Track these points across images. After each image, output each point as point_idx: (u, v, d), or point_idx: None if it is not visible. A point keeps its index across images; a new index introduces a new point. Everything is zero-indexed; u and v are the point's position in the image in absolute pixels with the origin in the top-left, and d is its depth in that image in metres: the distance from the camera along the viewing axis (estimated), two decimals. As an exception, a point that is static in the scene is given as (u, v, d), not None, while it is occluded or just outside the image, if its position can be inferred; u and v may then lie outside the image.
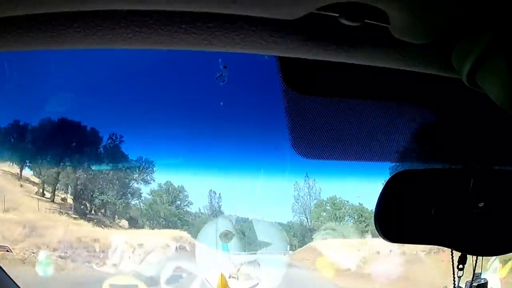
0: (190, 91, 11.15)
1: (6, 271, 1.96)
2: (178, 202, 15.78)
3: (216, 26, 0.74)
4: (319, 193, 15.87)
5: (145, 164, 13.52)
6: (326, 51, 0.79)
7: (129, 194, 15.16)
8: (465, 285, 1.35)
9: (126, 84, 10.55)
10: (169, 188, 15.69)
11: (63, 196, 14.04)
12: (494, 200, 1.01)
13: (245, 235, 14.52)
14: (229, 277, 9.86)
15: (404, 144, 1.24)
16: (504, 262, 8.31)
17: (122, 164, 13.02)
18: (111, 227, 14.27)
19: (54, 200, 13.65)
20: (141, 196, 15.34)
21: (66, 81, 9.98)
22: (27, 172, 13.57)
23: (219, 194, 15.51)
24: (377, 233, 1.04)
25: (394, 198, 1.05)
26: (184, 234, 14.16)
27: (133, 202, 15.41)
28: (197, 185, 15.34)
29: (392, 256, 11.83)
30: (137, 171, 13.96)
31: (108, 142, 12.18)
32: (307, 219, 16.19)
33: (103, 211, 14.72)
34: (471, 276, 1.36)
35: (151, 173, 14.43)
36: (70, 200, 14.08)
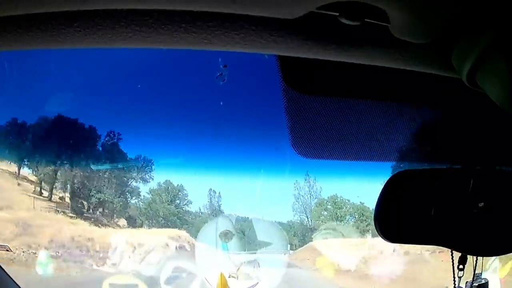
0: (190, 91, 11.16)
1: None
2: (178, 201, 15.72)
3: (216, 25, 0.74)
4: (320, 192, 15.76)
5: (144, 164, 13.50)
6: (326, 51, 0.79)
7: (128, 193, 15.05)
8: (466, 286, 1.35)
9: (126, 84, 10.55)
10: (168, 187, 15.63)
11: (61, 195, 13.91)
12: (494, 200, 1.01)
13: (245, 235, 14.43)
14: (229, 277, 9.85)
15: (404, 144, 1.24)
16: (504, 262, 8.31)
17: (121, 164, 12.97)
18: (108, 226, 14.10)
19: (52, 198, 13.52)
20: (140, 195, 15.28)
21: (66, 80, 9.98)
22: (25, 171, 13.48)
23: (219, 193, 15.52)
24: (379, 232, 1.04)
25: (394, 198, 1.05)
26: (184, 233, 14.08)
27: (132, 201, 15.33)
28: (197, 184, 15.36)
29: (395, 256, 11.50)
30: (137, 170, 13.92)
31: (108, 141, 12.19)
32: (307, 218, 16.09)
33: (101, 210, 14.62)
34: (471, 276, 1.36)
35: (151, 173, 14.42)
36: (68, 199, 13.94)
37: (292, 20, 0.69)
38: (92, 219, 13.85)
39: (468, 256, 1.17)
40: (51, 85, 10.37)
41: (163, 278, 10.37)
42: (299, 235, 15.93)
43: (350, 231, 14.39)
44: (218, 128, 11.26)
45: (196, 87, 10.71)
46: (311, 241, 14.90)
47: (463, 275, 1.23)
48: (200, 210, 16.17)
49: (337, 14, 0.68)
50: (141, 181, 14.81)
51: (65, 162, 12.73)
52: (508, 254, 1.12)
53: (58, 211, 13.09)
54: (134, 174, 14.33)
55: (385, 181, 1.04)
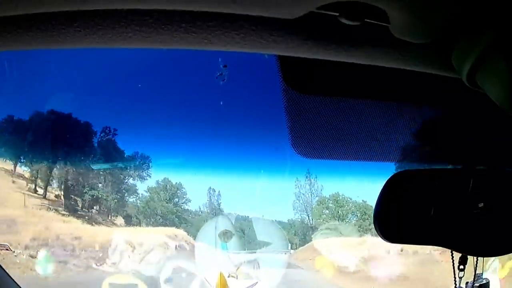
0: (190, 90, 11.17)
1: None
2: (177, 200, 15.60)
3: (216, 25, 0.74)
4: (321, 190, 15.52)
5: (144, 164, 13.47)
6: (326, 50, 0.79)
7: (125, 193, 14.90)
8: (467, 286, 1.35)
9: (125, 83, 10.55)
10: (166, 186, 15.52)
11: (57, 193, 13.64)
12: (494, 201, 1.01)
13: (244, 234, 14.30)
14: (228, 276, 9.84)
15: (404, 144, 1.24)
16: (504, 263, 8.31)
17: (120, 163, 12.91)
18: (102, 224, 13.72)
19: (46, 196, 13.20)
20: (138, 194, 15.13)
21: (65, 79, 10.00)
22: (21, 169, 13.27)
23: (219, 192, 15.48)
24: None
25: (394, 199, 1.04)
26: (184, 232, 13.94)
27: (130, 200, 15.18)
28: (197, 184, 15.32)
29: (404, 256, 10.94)
30: (136, 170, 13.88)
31: (107, 141, 12.16)
32: (308, 217, 15.86)
33: (96, 208, 14.41)
34: (472, 277, 1.36)
35: (151, 173, 14.39)
36: (63, 197, 13.64)
37: (292, 20, 0.69)
38: (86, 217, 13.59)
39: (468, 256, 1.17)
40: (50, 84, 10.39)
41: (162, 278, 10.26)
42: (299, 234, 15.74)
43: (353, 230, 14.04)
44: (218, 128, 11.26)
45: (196, 87, 10.72)
46: (312, 240, 14.53)
47: (463, 275, 1.23)
48: (200, 209, 16.13)
49: (337, 14, 0.68)
50: (140, 181, 14.76)
51: (63, 160, 12.62)
52: (507, 255, 1.12)
53: (50, 208, 12.79)
54: (133, 174, 14.24)
55: (385, 181, 1.04)
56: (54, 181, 13.77)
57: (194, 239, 13.16)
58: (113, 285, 9.24)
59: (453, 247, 1.09)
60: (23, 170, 13.27)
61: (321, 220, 15.30)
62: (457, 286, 1.26)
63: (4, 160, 12.66)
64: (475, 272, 1.33)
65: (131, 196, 15.07)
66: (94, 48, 0.82)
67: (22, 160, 12.90)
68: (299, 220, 16.05)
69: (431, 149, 1.30)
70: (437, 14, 0.66)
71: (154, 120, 11.52)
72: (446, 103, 1.15)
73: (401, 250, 10.91)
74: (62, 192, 13.72)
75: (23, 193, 12.58)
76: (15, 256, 9.76)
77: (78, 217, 13.32)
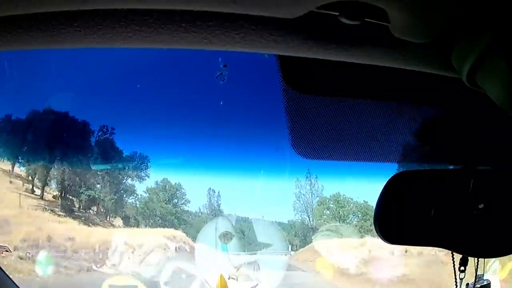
0: (190, 90, 11.17)
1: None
2: (176, 200, 15.46)
3: (216, 25, 0.74)
4: (322, 190, 15.17)
5: (143, 164, 13.43)
6: (326, 50, 0.79)
7: (124, 193, 14.70)
8: (467, 287, 1.35)
9: (125, 83, 10.56)
10: (166, 186, 15.37)
11: (55, 193, 13.36)
12: (494, 201, 1.01)
13: (244, 235, 14.19)
14: (229, 278, 9.82)
15: (404, 144, 1.24)
16: (504, 264, 8.29)
17: (119, 164, 12.85)
18: (99, 225, 13.44)
19: (44, 197, 12.93)
20: (137, 195, 14.94)
21: (64, 79, 10.00)
22: (19, 169, 13.02)
23: (219, 193, 15.40)
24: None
25: (394, 199, 1.04)
26: (183, 234, 13.81)
27: (129, 201, 14.93)
28: (196, 184, 15.28)
29: (408, 258, 10.39)
30: (135, 171, 13.83)
31: (107, 141, 12.11)
32: (309, 218, 15.55)
33: (94, 209, 14.18)
34: (472, 278, 1.35)
35: (150, 173, 14.35)
36: (60, 198, 13.32)
37: (292, 19, 0.69)
38: (83, 218, 13.29)
39: (469, 257, 1.17)
40: (49, 84, 10.39)
41: (162, 279, 10.20)
42: (300, 235, 15.49)
43: (354, 231, 13.72)
44: (218, 127, 11.26)
45: (196, 86, 10.72)
46: (313, 241, 14.13)
47: (464, 276, 1.23)
48: (199, 210, 16.05)
49: (337, 13, 0.68)
50: (139, 181, 14.62)
51: (61, 161, 12.46)
52: (508, 256, 1.11)
53: (46, 209, 12.48)
54: (132, 174, 14.09)
55: (385, 182, 1.04)
56: (52, 181, 13.61)
57: (194, 240, 13.04)
58: (113, 286, 9.20)
59: (453, 248, 1.09)
60: (21, 170, 13.10)
61: (322, 221, 15.00)
62: (458, 287, 1.26)
63: (2, 160, 12.49)
64: (476, 273, 1.33)
65: (130, 197, 14.89)
66: (94, 48, 0.82)
67: (20, 160, 12.70)
68: (299, 221, 15.81)
69: (431, 149, 1.30)
70: (437, 14, 0.66)
71: (154, 120, 11.51)
72: (446, 103, 1.15)
73: (406, 251, 10.45)
74: (60, 193, 13.52)
75: (20, 194, 12.33)
76: (3, 257, 9.28)
77: (75, 218, 13.05)
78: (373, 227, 1.03)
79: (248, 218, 14.47)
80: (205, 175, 13.21)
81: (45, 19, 0.73)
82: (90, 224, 13.14)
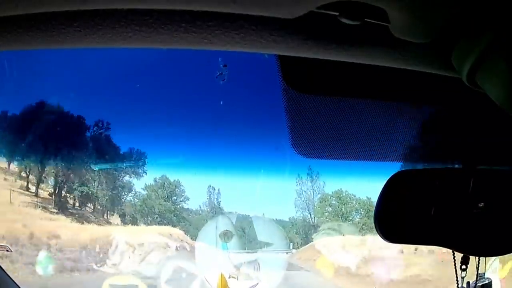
0: (190, 90, 11.17)
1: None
2: (175, 198, 15.33)
3: (216, 25, 0.74)
4: (323, 187, 14.80)
5: (144, 164, 13.41)
6: (326, 50, 0.79)
7: (122, 193, 14.55)
8: (469, 286, 1.35)
9: (125, 83, 10.57)
10: (164, 184, 15.27)
11: (50, 191, 13.08)
12: (494, 200, 1.01)
13: (245, 233, 14.07)
14: (229, 277, 9.82)
15: (404, 144, 1.24)
16: (504, 263, 8.28)
17: (118, 163, 12.82)
18: (93, 223, 12.99)
19: (38, 194, 12.64)
20: (136, 194, 14.78)
21: (64, 78, 10.01)
22: (15, 166, 12.76)
23: (219, 192, 15.37)
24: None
25: (394, 198, 1.04)
26: (184, 232, 13.64)
27: (127, 199, 14.74)
28: (197, 184, 15.26)
29: (418, 256, 9.66)
30: (135, 171, 13.80)
31: (107, 141, 12.12)
32: (311, 215, 15.16)
33: (90, 206, 13.92)
34: (473, 277, 1.36)
35: (150, 173, 14.32)
36: (56, 195, 13.03)
37: (292, 19, 0.69)
38: (77, 215, 12.95)
39: (470, 256, 1.17)
40: (48, 83, 10.40)
41: (163, 279, 10.14)
42: (301, 233, 15.19)
43: (357, 229, 13.29)
44: (218, 127, 11.27)
45: (196, 86, 10.73)
46: (315, 239, 13.72)
47: (465, 275, 1.23)
48: (200, 208, 15.99)
49: (337, 13, 0.68)
50: (138, 181, 14.59)
51: (59, 159, 12.33)
52: (508, 254, 1.12)
53: (39, 206, 12.14)
54: (132, 175, 14.01)
55: (385, 181, 1.04)
56: (49, 179, 13.40)
57: (194, 238, 12.95)
58: (114, 286, 9.16)
59: (453, 247, 1.09)
60: (17, 167, 12.88)
61: (324, 218, 14.71)
62: (460, 286, 1.26)
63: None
64: (477, 272, 1.33)
65: (132, 195, 14.88)
66: (94, 48, 0.82)
67: (16, 158, 12.50)
68: (301, 218, 15.48)
69: (431, 149, 1.30)
70: (437, 14, 0.66)
71: (154, 120, 11.53)
72: (446, 103, 1.15)
73: (415, 250, 9.68)
74: (56, 191, 13.28)
75: (14, 191, 12.09)
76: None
77: (68, 215, 12.69)
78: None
79: (248, 216, 14.28)
80: (206, 175, 13.22)
81: (45, 19, 0.73)
82: (84, 222, 12.78)
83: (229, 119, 11.07)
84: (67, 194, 13.63)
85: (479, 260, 1.30)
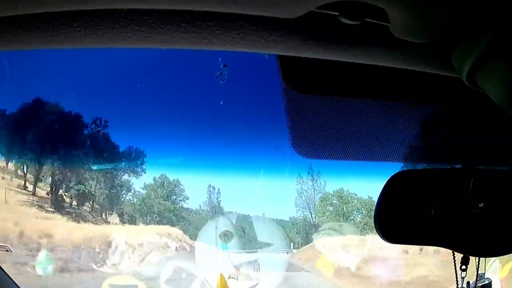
0: (190, 90, 11.19)
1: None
2: (174, 197, 15.23)
3: (216, 25, 0.74)
4: (324, 186, 14.60)
5: (144, 164, 13.39)
6: (326, 50, 0.79)
7: (121, 192, 14.48)
8: (469, 286, 1.35)
9: (125, 83, 10.57)
10: (164, 183, 15.23)
11: (48, 190, 12.96)
12: (494, 201, 1.01)
13: (245, 232, 13.99)
14: (229, 278, 9.80)
15: (404, 144, 1.24)
16: (504, 263, 8.27)
17: (118, 163, 12.81)
18: (89, 222, 12.81)
19: (36, 193, 12.48)
20: (137, 194, 14.77)
21: (64, 78, 10.02)
22: (13, 165, 12.73)
23: (219, 191, 15.33)
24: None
25: (394, 198, 1.04)
26: (184, 232, 13.54)
27: (126, 199, 14.65)
28: (197, 184, 15.24)
29: (423, 256, 9.19)
30: (135, 171, 13.77)
31: (107, 141, 12.11)
32: (311, 215, 14.95)
33: (87, 206, 13.82)
34: (473, 277, 1.36)
35: (150, 173, 14.30)
36: (54, 195, 12.85)
37: (292, 19, 0.69)
38: (74, 215, 12.79)
39: (470, 256, 1.17)
40: (48, 83, 10.39)
41: (162, 279, 10.05)
42: (302, 233, 15.00)
43: (359, 228, 12.98)
44: (218, 127, 11.28)
45: (196, 86, 10.74)
46: (316, 239, 13.32)
47: (466, 275, 1.23)
48: (200, 207, 15.92)
49: (337, 13, 0.68)
50: (138, 181, 14.55)
51: (58, 159, 12.26)
52: (508, 255, 1.12)
53: (35, 205, 11.97)
54: (131, 175, 13.97)
55: (385, 181, 1.04)
56: (46, 178, 13.27)
57: (194, 238, 12.82)
58: (114, 286, 9.12)
59: (453, 247, 1.09)
60: (15, 166, 12.82)
61: (325, 218, 14.49)
62: (460, 286, 1.26)
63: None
64: (477, 272, 1.33)
65: (128, 195, 14.77)
66: (94, 48, 0.82)
67: (15, 157, 12.41)
68: (301, 218, 15.30)
69: (431, 149, 1.30)
70: (437, 14, 0.66)
71: (154, 120, 11.55)
72: (446, 103, 1.15)
73: (421, 250, 9.20)
74: (54, 190, 13.14)
75: (10, 189, 11.91)
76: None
77: (65, 214, 12.47)
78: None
79: (248, 215, 14.17)
80: (206, 174, 13.20)
81: (45, 19, 0.73)
82: (80, 221, 12.60)
83: (229, 119, 11.08)
84: (66, 193, 13.55)
85: (479, 260, 1.30)
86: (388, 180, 1.03)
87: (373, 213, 1.05)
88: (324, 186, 14.72)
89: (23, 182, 12.73)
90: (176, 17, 0.73)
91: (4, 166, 12.63)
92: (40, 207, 12.26)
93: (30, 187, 12.76)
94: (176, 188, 15.31)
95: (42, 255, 9.69)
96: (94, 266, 10.47)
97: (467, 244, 1.06)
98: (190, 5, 0.68)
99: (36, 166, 12.87)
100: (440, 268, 9.07)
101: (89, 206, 14.06)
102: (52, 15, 0.72)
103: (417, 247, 8.69)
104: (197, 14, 0.72)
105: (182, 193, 15.40)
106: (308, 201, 14.83)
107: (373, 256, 10.39)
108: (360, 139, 1.24)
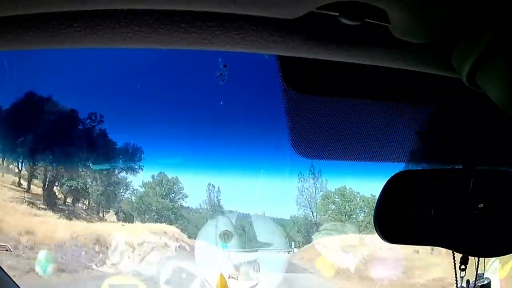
0: (190, 90, 11.19)
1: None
2: (173, 195, 15.16)
3: (216, 26, 0.74)
4: (326, 184, 14.32)
5: (144, 164, 13.37)
6: (326, 50, 0.79)
7: (120, 192, 14.39)
8: (468, 285, 1.35)
9: (125, 83, 10.57)
10: (162, 181, 15.15)
11: (44, 187, 12.67)
12: (494, 201, 1.01)
13: (245, 231, 13.89)
14: (229, 277, 9.79)
15: (404, 144, 1.24)
16: (504, 263, 8.27)
17: (118, 163, 12.79)
18: (84, 220, 12.54)
19: (30, 190, 12.27)
20: (137, 194, 14.72)
21: (64, 78, 10.02)
22: (9, 162, 12.50)
23: (219, 191, 15.30)
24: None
25: (394, 199, 1.04)
26: (183, 231, 13.51)
27: (124, 202, 14.50)
28: (197, 184, 15.24)
29: (436, 257, 8.49)
30: (135, 170, 13.76)
31: (106, 141, 12.10)
32: (313, 214, 14.62)
33: (84, 203, 13.66)
34: (473, 277, 1.36)
35: (152, 172, 14.29)
36: (48, 192, 12.58)
37: (292, 20, 0.69)
38: (67, 212, 12.51)
39: (469, 256, 1.17)
40: (49, 83, 10.39)
41: (162, 279, 9.98)
42: (303, 232, 14.69)
43: (363, 227, 12.52)
44: (218, 127, 11.28)
45: (196, 87, 10.75)
46: (319, 238, 12.84)
47: (465, 275, 1.23)
48: (201, 206, 15.87)
49: (337, 14, 0.68)
50: (138, 182, 14.52)
51: (58, 158, 12.28)
52: (507, 255, 1.12)
53: (27, 202, 11.68)
54: (131, 174, 13.96)
55: (385, 181, 1.04)
56: (44, 176, 13.00)
57: (194, 237, 12.75)
58: (114, 286, 9.09)
59: (453, 248, 1.09)
60: (11, 164, 12.59)
61: (327, 216, 14.20)
62: (459, 285, 1.26)
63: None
64: (476, 272, 1.33)
65: (127, 194, 14.74)
66: (94, 48, 0.82)
67: (11, 154, 12.19)
68: (302, 216, 14.95)
69: (431, 149, 1.30)
70: (437, 14, 0.66)
71: (154, 120, 11.55)
72: (446, 103, 1.15)
73: (432, 250, 8.50)
74: (50, 188, 12.90)
75: (3, 186, 11.68)
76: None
77: (57, 211, 12.16)
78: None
79: (249, 214, 14.02)
80: (206, 174, 13.20)
81: (45, 19, 0.73)
82: (73, 218, 12.31)
83: (229, 119, 11.08)
84: (63, 191, 13.42)
85: (478, 260, 1.30)
86: (388, 180, 1.04)
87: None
88: (326, 184, 14.49)
89: (18, 179, 12.48)
90: (176, 18, 0.73)
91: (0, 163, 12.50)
92: (32, 204, 12.05)
93: (25, 184, 12.53)
94: (175, 186, 15.28)
95: (42, 254, 9.58)
96: (94, 266, 10.41)
97: (466, 244, 1.06)
98: (190, 6, 0.68)
99: (34, 165, 12.77)
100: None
101: (91, 204, 14.01)
102: (52, 15, 0.72)
103: (428, 247, 7.80)
104: (197, 14, 0.72)
105: (181, 191, 15.38)
106: (309, 199, 14.58)
107: (381, 256, 9.72)
108: (360, 139, 1.24)
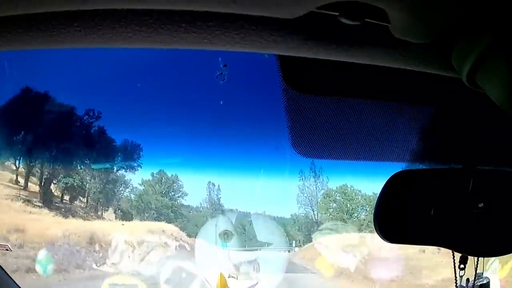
0: (190, 90, 11.20)
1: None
2: (172, 194, 15.12)
3: (216, 25, 0.74)
4: (327, 182, 14.21)
5: (145, 164, 13.36)
6: (326, 50, 0.79)
7: (120, 191, 14.43)
8: (467, 285, 1.36)
9: (125, 83, 10.58)
10: (162, 180, 15.14)
11: (42, 185, 12.62)
12: (494, 201, 1.01)
13: (245, 230, 13.81)
14: (229, 277, 9.78)
15: (404, 144, 1.24)
16: (504, 263, 8.25)
17: (117, 163, 12.80)
18: (80, 218, 12.43)
19: (28, 188, 12.22)
20: (137, 194, 14.71)
21: (64, 78, 10.03)
22: (10, 162, 12.49)
23: (220, 190, 15.29)
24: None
25: (394, 198, 1.05)
26: (183, 230, 13.48)
27: (124, 196, 14.52)
28: (197, 183, 15.22)
29: (444, 256, 7.54)
30: (135, 170, 13.75)
31: (106, 141, 12.12)
32: (313, 212, 14.49)
33: (83, 201, 13.58)
34: (472, 276, 1.36)
35: (152, 172, 14.31)
36: (44, 189, 12.54)
37: (292, 20, 0.69)
38: (63, 210, 12.44)
39: (469, 256, 1.17)
40: (49, 83, 10.40)
41: (162, 278, 9.95)
42: (304, 230, 14.54)
43: (364, 226, 12.33)
44: (218, 127, 11.29)
45: (196, 86, 10.75)
46: (319, 237, 12.58)
47: (464, 274, 1.24)
48: (201, 205, 15.84)
49: (337, 14, 0.68)
50: (138, 182, 14.52)
51: (57, 157, 12.16)
52: (507, 255, 1.12)
53: (22, 200, 11.57)
54: (131, 175, 13.94)
55: (385, 181, 1.04)
56: (43, 175, 12.93)
57: (194, 236, 12.65)
58: (114, 285, 9.07)
59: (453, 247, 1.09)
60: (9, 162, 12.54)
61: (328, 215, 14.08)
62: (458, 285, 1.26)
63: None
64: (475, 271, 1.33)
65: (126, 192, 14.69)
66: (94, 48, 0.82)
67: (9, 151, 12.06)
68: (303, 215, 14.84)
69: (431, 149, 1.30)
70: (437, 14, 0.66)
71: (155, 120, 11.56)
72: (446, 103, 1.15)
73: (439, 249, 7.43)
74: (48, 186, 12.85)
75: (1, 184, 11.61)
76: None
77: (53, 209, 12.07)
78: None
79: (249, 213, 13.91)
80: (206, 174, 13.20)
81: (45, 19, 0.73)
82: (70, 216, 12.21)
83: (229, 118, 11.09)
84: (67, 193, 13.45)
85: (477, 260, 1.31)
86: (388, 180, 1.04)
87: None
88: (327, 183, 14.35)
89: (15, 177, 12.45)
90: (176, 17, 0.73)
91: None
92: (28, 201, 11.93)
93: (22, 182, 12.45)
94: (174, 184, 15.25)
95: (42, 254, 9.61)
96: (94, 266, 10.39)
97: (466, 244, 1.06)
98: (190, 5, 0.68)
99: (33, 165, 12.75)
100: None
101: (92, 203, 13.98)
102: (52, 15, 0.72)
103: (433, 246, 7.87)
104: (197, 14, 0.72)
105: (181, 189, 15.35)
106: (310, 198, 14.43)
107: (386, 256, 9.41)
108: (360, 139, 1.24)
